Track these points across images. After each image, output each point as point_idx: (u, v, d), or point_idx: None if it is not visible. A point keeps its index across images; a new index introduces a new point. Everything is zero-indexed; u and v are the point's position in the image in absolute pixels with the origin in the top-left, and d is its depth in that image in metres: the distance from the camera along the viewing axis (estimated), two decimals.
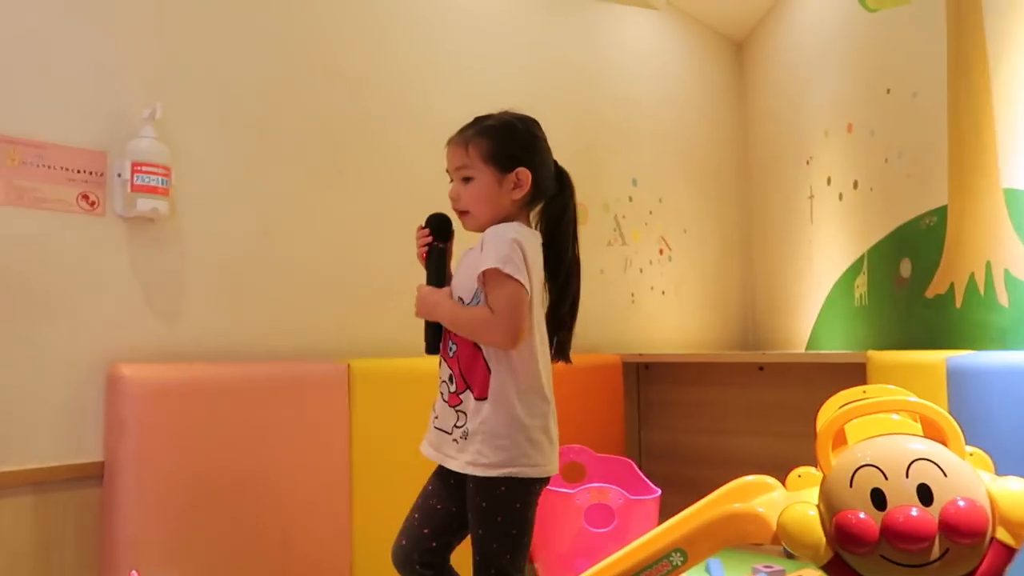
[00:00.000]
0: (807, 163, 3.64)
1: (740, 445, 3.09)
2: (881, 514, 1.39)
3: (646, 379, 3.42)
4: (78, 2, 1.90)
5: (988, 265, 2.44)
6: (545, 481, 1.54)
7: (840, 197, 3.35)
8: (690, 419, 3.27)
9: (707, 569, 2.53)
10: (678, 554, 1.69)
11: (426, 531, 1.54)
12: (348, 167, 2.42)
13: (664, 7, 3.79)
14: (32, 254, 1.81)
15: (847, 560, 1.46)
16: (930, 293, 2.69)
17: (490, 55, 2.94)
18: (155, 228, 2.00)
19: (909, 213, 2.82)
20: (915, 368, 2.28)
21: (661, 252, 3.68)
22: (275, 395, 2.07)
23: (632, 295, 3.50)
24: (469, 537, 1.53)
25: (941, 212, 2.64)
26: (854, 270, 3.21)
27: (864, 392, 1.75)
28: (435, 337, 1.54)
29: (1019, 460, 1.67)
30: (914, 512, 1.37)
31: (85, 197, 1.90)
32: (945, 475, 1.41)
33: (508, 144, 1.53)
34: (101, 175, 1.93)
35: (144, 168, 1.91)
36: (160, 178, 1.93)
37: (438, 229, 1.58)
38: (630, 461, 2.72)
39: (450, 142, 1.58)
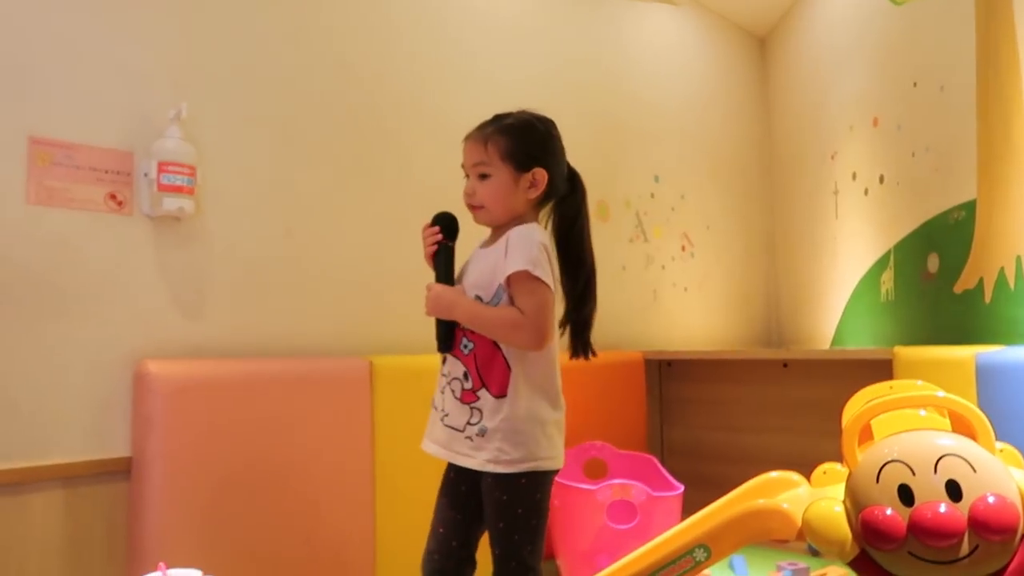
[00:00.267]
0: (832, 158, 3.60)
1: (764, 443, 3.06)
2: (909, 510, 1.37)
3: (668, 376, 3.40)
4: (105, 5, 1.93)
5: (1018, 259, 2.39)
6: (556, 472, 1.55)
7: (866, 192, 3.31)
8: (713, 416, 3.25)
9: (731, 566, 2.52)
10: (701, 550, 1.68)
11: (455, 543, 1.56)
12: (370, 166, 2.44)
13: (685, 2, 3.77)
14: (61, 253, 1.84)
15: (874, 557, 1.44)
16: (958, 288, 2.65)
17: (510, 54, 2.94)
18: (181, 227, 2.03)
19: (937, 207, 2.77)
20: (943, 364, 2.24)
21: (683, 249, 3.66)
22: (299, 391, 2.09)
23: (654, 292, 3.49)
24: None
25: (970, 206, 2.59)
26: (880, 266, 3.17)
27: (891, 388, 1.73)
28: (449, 335, 1.54)
29: None
30: (943, 508, 1.35)
31: (113, 197, 1.93)
32: (974, 471, 1.39)
33: (527, 143, 1.54)
34: (128, 175, 1.96)
35: (170, 168, 1.94)
36: (186, 177, 1.96)
37: (447, 228, 1.58)
38: (652, 458, 2.71)
39: (468, 138, 1.59)
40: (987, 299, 2.51)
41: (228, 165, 2.12)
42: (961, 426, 1.51)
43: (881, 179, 3.17)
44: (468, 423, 1.48)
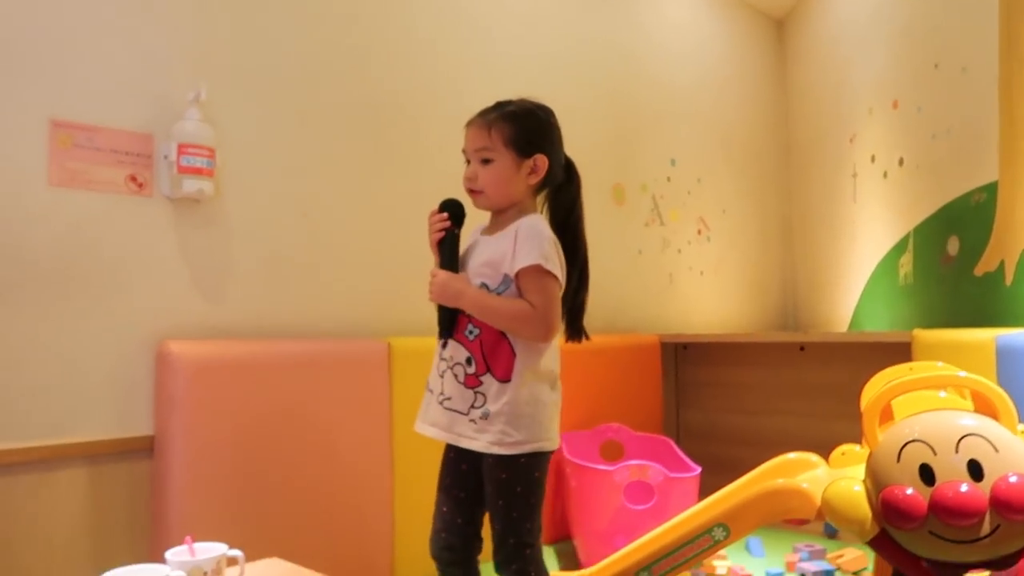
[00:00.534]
0: (850, 141, 3.57)
1: (780, 426, 3.06)
2: (930, 490, 1.37)
3: (684, 359, 3.40)
4: None
5: None
6: (552, 452, 1.58)
7: (885, 175, 3.28)
8: (729, 400, 3.25)
9: (747, 548, 2.52)
10: (720, 529, 1.69)
11: (460, 520, 1.58)
12: (387, 149, 2.44)
13: None
14: (83, 235, 1.86)
15: (894, 536, 1.45)
16: (979, 271, 2.63)
17: (527, 37, 2.93)
18: (201, 209, 2.04)
19: (957, 190, 2.75)
20: (963, 346, 2.23)
21: (699, 232, 3.65)
22: (318, 372, 2.10)
23: (670, 275, 3.48)
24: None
25: (991, 188, 2.57)
26: (899, 249, 3.15)
27: (911, 369, 1.73)
28: (452, 322, 1.54)
29: None
30: (964, 488, 1.35)
31: (133, 179, 1.95)
32: (996, 451, 1.39)
33: (529, 130, 1.57)
34: (148, 157, 1.97)
35: (190, 150, 1.95)
36: (205, 159, 1.97)
37: (454, 214, 1.59)
38: (669, 440, 2.72)
39: (471, 124, 1.61)
40: (1008, 281, 2.49)
41: (246, 147, 2.13)
42: (983, 406, 1.51)
43: (901, 162, 3.14)
44: (472, 407, 1.50)
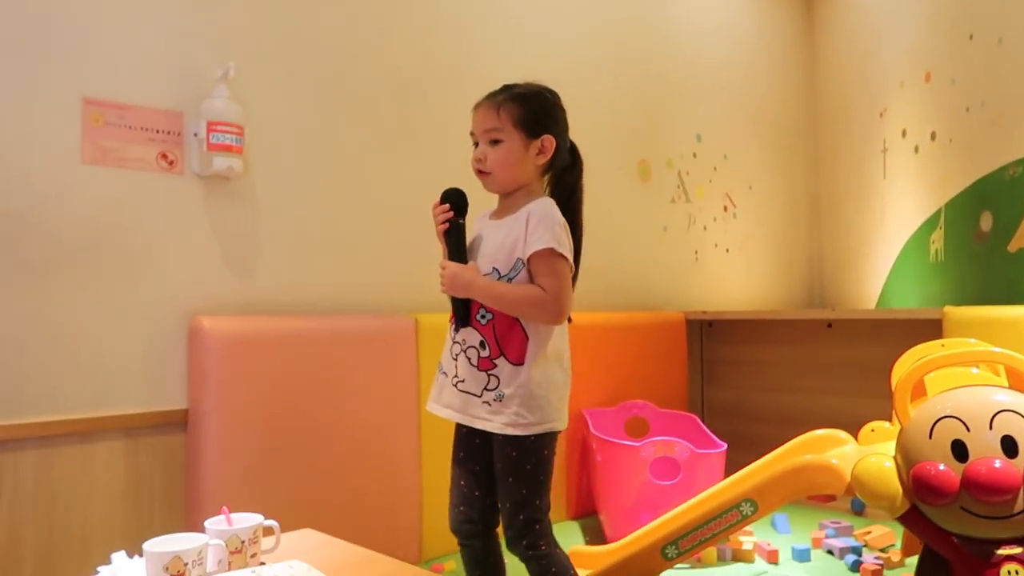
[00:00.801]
0: (880, 115, 3.51)
1: (807, 403, 3.05)
2: (962, 466, 1.37)
3: (709, 337, 3.39)
4: None
5: None
6: (560, 431, 1.60)
7: (916, 150, 3.22)
8: (755, 377, 3.24)
9: (773, 524, 2.53)
10: (748, 504, 1.70)
11: (477, 493, 1.61)
12: (414, 126, 2.44)
13: None
14: (116, 212, 1.88)
15: (925, 512, 1.44)
16: (1013, 247, 2.58)
17: (552, 14, 2.90)
18: (230, 186, 2.06)
19: (991, 164, 2.70)
20: (995, 323, 2.20)
21: (726, 209, 3.61)
22: (346, 347, 2.13)
23: (696, 253, 3.46)
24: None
25: None
26: (930, 225, 3.10)
27: (942, 346, 1.71)
28: (467, 312, 1.55)
29: None
30: (997, 464, 1.34)
31: (164, 156, 1.97)
32: None
33: (537, 111, 1.58)
34: (178, 134, 1.99)
35: (219, 127, 1.96)
36: (234, 136, 1.98)
37: (457, 204, 1.59)
38: (694, 416, 2.72)
39: (479, 105, 1.61)
40: None
41: (274, 124, 2.14)
42: (1017, 383, 1.49)
43: (933, 136, 3.09)
44: (485, 389, 1.52)
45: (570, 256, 1.53)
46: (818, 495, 1.73)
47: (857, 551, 2.23)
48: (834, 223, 3.93)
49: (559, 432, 1.57)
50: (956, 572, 1.44)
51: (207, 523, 1.29)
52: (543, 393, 1.51)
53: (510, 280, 1.52)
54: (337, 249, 2.26)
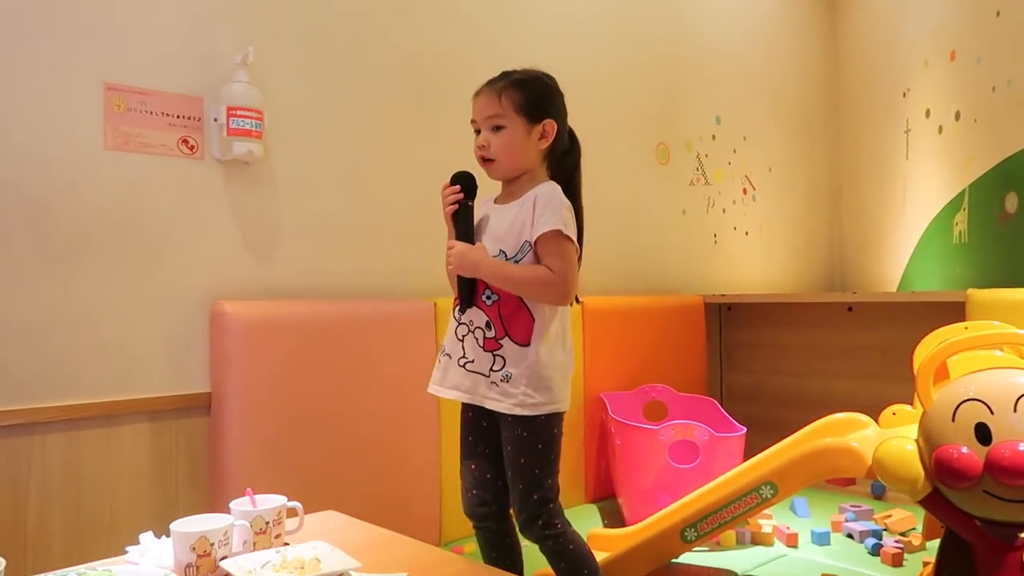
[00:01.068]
0: (904, 95, 3.46)
1: (826, 387, 3.03)
2: (985, 449, 1.36)
3: (728, 320, 3.37)
4: None
5: None
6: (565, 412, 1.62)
7: (940, 130, 3.18)
8: (774, 360, 3.22)
9: (792, 508, 2.52)
10: (768, 487, 1.70)
11: (489, 475, 1.62)
12: (432, 110, 2.44)
13: None
14: (139, 197, 1.90)
15: (947, 495, 1.43)
16: None
17: None
18: (250, 171, 2.07)
19: (1017, 144, 2.66)
20: (1020, 306, 2.18)
21: (745, 192, 3.59)
22: (366, 331, 2.14)
23: (714, 236, 3.44)
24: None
25: None
26: (953, 206, 3.06)
27: (966, 328, 1.69)
28: (473, 292, 1.57)
29: None
30: (1022, 447, 1.33)
31: (185, 141, 1.98)
32: None
33: (537, 96, 1.59)
34: (198, 120, 2.00)
35: (239, 112, 1.97)
36: (254, 121, 1.99)
37: (466, 186, 1.60)
38: (713, 400, 2.72)
39: (479, 93, 1.62)
40: None
41: (293, 109, 2.15)
42: None
43: (957, 116, 3.04)
44: (492, 369, 1.54)
45: (575, 238, 1.54)
46: (838, 478, 1.73)
47: (877, 535, 2.23)
48: (855, 205, 3.89)
49: (564, 412, 1.59)
50: (978, 556, 1.43)
51: (232, 504, 1.31)
52: (549, 373, 1.53)
53: (517, 262, 1.54)
54: (356, 233, 2.27)
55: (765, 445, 2.02)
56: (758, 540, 2.25)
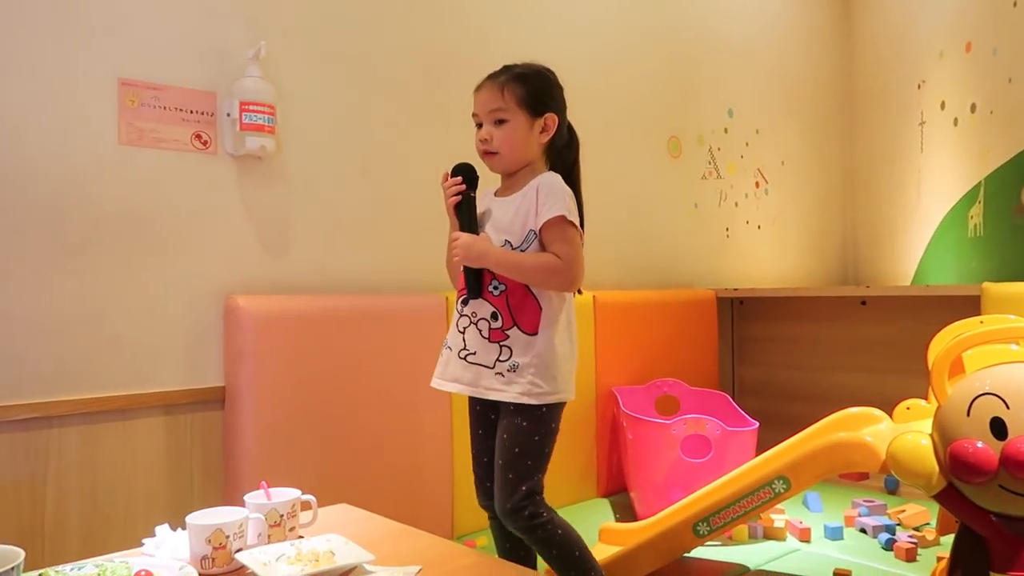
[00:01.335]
0: (918, 87, 3.43)
1: (840, 381, 3.02)
2: (1001, 443, 1.35)
3: (741, 315, 3.36)
4: None
5: None
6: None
7: (955, 122, 3.15)
8: (787, 355, 3.21)
9: (805, 503, 2.52)
10: (781, 482, 1.69)
11: None
12: (443, 105, 2.43)
13: None
14: (153, 192, 1.91)
15: (962, 490, 1.43)
16: None
17: None
18: (263, 166, 2.08)
19: None
20: None
21: (757, 185, 3.57)
22: (378, 326, 2.15)
23: (727, 230, 3.42)
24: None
25: None
26: (969, 199, 3.03)
27: (981, 322, 1.68)
28: (479, 283, 1.57)
29: None
30: None
31: (198, 136, 1.99)
32: None
33: (539, 90, 1.60)
34: (211, 115, 2.01)
35: (251, 107, 1.98)
36: (266, 116, 1.99)
37: (468, 178, 1.61)
38: (726, 395, 2.71)
39: (481, 87, 1.64)
40: None
41: (305, 104, 2.15)
42: None
43: (973, 108, 3.01)
44: (498, 360, 1.54)
45: (578, 224, 1.55)
46: (850, 473, 1.72)
47: (891, 529, 2.22)
48: (869, 199, 3.86)
49: (565, 404, 1.60)
50: (993, 551, 1.42)
51: (247, 497, 1.33)
52: (556, 363, 1.54)
53: (523, 252, 1.55)
54: (368, 228, 2.28)
55: (777, 440, 2.01)
56: (770, 535, 2.25)
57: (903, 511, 2.33)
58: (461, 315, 1.59)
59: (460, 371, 1.58)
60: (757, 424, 2.41)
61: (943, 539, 2.09)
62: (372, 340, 2.13)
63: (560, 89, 1.66)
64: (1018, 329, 1.55)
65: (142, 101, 1.90)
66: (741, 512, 1.76)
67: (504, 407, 1.56)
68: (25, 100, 1.74)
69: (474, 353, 1.56)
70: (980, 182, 2.95)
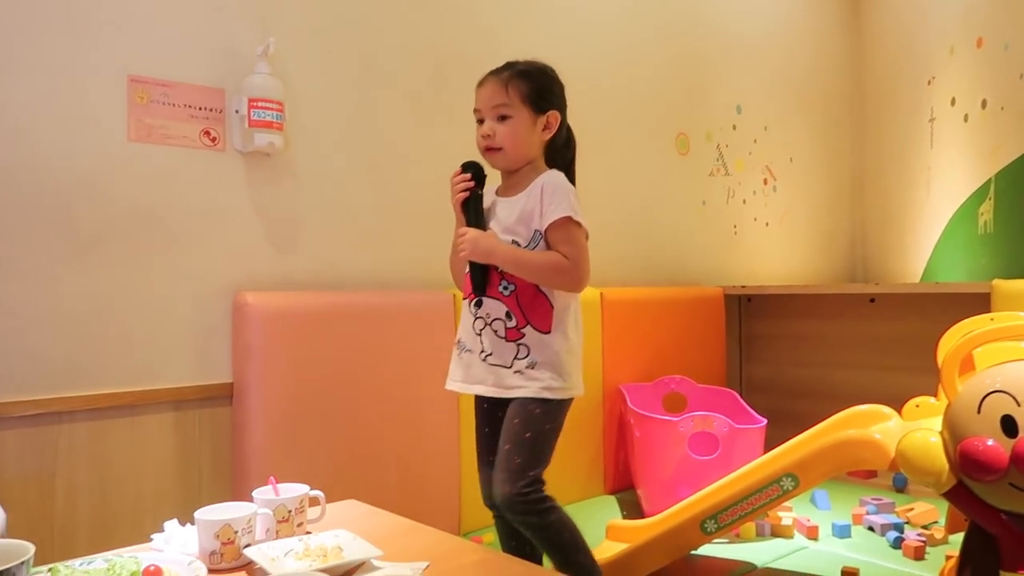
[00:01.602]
0: (928, 83, 3.41)
1: (848, 379, 3.01)
2: (1011, 441, 1.34)
3: (748, 312, 3.35)
4: None
5: None
6: None
7: (965, 118, 3.13)
8: (795, 353, 3.20)
9: (812, 501, 2.51)
10: (789, 479, 1.69)
11: None
12: (451, 101, 2.43)
13: None
14: (162, 189, 1.91)
15: (972, 488, 1.42)
16: None
17: None
18: (271, 162, 2.08)
19: None
20: None
21: (765, 182, 3.56)
22: (386, 322, 2.15)
23: (735, 227, 3.41)
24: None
25: None
26: (979, 196, 3.02)
27: (991, 320, 1.67)
28: (485, 279, 1.57)
29: None
30: None
31: (207, 133, 1.99)
32: None
33: (542, 88, 1.61)
34: (220, 112, 2.01)
35: (260, 104, 1.98)
36: (275, 113, 2.00)
37: (476, 175, 1.62)
38: (734, 392, 2.70)
39: (485, 82, 1.64)
40: None
41: (313, 100, 2.15)
42: None
43: (984, 104, 2.99)
44: (515, 358, 1.55)
45: (584, 224, 1.56)
46: (858, 471, 1.72)
47: (899, 528, 2.21)
48: (878, 195, 3.84)
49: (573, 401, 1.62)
50: (1004, 549, 1.41)
51: (255, 493, 1.33)
52: (568, 359, 1.56)
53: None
54: (376, 225, 2.28)
55: (785, 438, 2.00)
56: (778, 532, 2.24)
57: (911, 509, 2.32)
58: (476, 317, 1.59)
59: (484, 374, 1.59)
60: (765, 421, 2.41)
61: (952, 538, 2.08)
62: (380, 337, 2.14)
63: (562, 87, 1.66)
64: None
65: (151, 98, 1.91)
66: (749, 509, 1.75)
67: (517, 399, 1.56)
68: (35, 97, 1.75)
69: (491, 354, 1.57)
70: (990, 179, 2.93)
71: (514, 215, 1.58)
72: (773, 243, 3.58)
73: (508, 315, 1.55)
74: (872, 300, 2.98)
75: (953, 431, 1.43)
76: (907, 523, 2.26)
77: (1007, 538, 1.41)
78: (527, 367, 1.53)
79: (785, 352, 3.23)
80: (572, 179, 1.67)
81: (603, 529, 2.09)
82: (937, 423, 1.52)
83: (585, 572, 1.58)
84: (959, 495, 1.45)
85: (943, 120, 3.30)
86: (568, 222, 1.52)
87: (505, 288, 1.55)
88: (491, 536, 2.14)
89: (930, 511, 2.29)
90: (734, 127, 3.40)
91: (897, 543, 2.11)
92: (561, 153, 1.66)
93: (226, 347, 2.00)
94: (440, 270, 2.37)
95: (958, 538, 1.58)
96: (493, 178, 1.68)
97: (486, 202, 1.66)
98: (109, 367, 1.83)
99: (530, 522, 1.55)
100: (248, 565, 1.19)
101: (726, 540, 2.18)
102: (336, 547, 1.19)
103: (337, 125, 2.21)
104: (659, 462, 2.36)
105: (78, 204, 1.80)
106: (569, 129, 1.69)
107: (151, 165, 1.90)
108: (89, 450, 1.79)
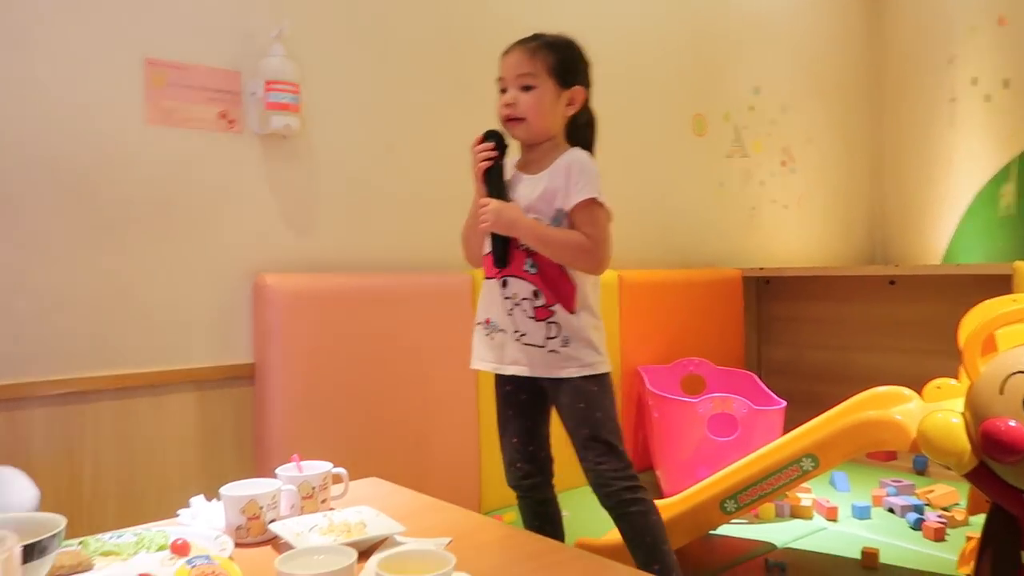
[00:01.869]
0: (949, 63, 3.36)
1: (867, 361, 2.99)
2: None
3: (766, 294, 3.34)
4: None
5: None
6: None
7: (987, 99, 3.09)
8: (813, 335, 3.18)
9: (832, 483, 2.51)
10: (809, 460, 1.69)
11: (531, 447, 1.64)
12: (467, 82, 2.42)
13: None
14: (181, 171, 1.93)
15: (993, 469, 1.41)
16: None
17: None
18: (288, 144, 2.09)
19: None
20: None
21: (784, 164, 3.53)
22: (405, 303, 2.16)
23: (752, 208, 3.39)
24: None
25: None
26: (1000, 177, 2.98)
27: (1015, 300, 1.65)
28: (507, 252, 1.53)
29: None
30: None
31: (224, 115, 2.00)
32: None
33: (569, 61, 1.57)
34: (237, 94, 2.01)
35: (276, 86, 1.98)
36: (291, 95, 2.00)
37: (499, 145, 1.57)
38: (752, 374, 2.70)
39: (511, 51, 1.60)
40: None
41: (329, 82, 2.15)
42: None
43: (1006, 83, 2.95)
44: (548, 337, 1.52)
45: (607, 206, 1.53)
46: (878, 453, 1.71)
47: (919, 509, 2.20)
48: (897, 177, 3.80)
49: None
50: None
51: (279, 470, 1.34)
52: (595, 336, 1.54)
53: None
54: (394, 205, 2.28)
55: (804, 420, 2.00)
56: (797, 513, 2.24)
57: (932, 491, 2.31)
58: (504, 297, 1.57)
59: (518, 353, 1.56)
60: (784, 403, 2.40)
61: (972, 519, 2.07)
62: (399, 317, 2.15)
63: (588, 64, 1.62)
64: None
65: (169, 81, 1.91)
66: (769, 489, 1.75)
67: (566, 384, 1.53)
68: (55, 82, 1.76)
69: (525, 334, 1.54)
70: (1013, 159, 2.89)
71: (536, 192, 1.55)
72: (791, 225, 3.56)
73: (536, 294, 1.53)
74: (892, 282, 2.96)
75: (975, 412, 1.43)
76: (927, 504, 2.26)
77: None
78: (561, 345, 1.51)
79: (804, 334, 3.21)
80: (592, 156, 1.64)
81: None
82: (959, 404, 1.51)
83: (668, 557, 1.55)
84: (981, 476, 1.44)
85: (964, 100, 3.25)
86: (593, 203, 1.50)
87: (531, 267, 1.54)
88: (512, 515, 2.15)
89: (950, 493, 2.28)
90: (751, 108, 3.37)
91: (917, 524, 2.10)
92: (582, 132, 1.62)
93: (247, 328, 2.02)
94: (458, 251, 2.39)
95: (979, 519, 1.58)
96: (514, 151, 1.66)
97: (506, 176, 1.64)
98: (133, 347, 1.85)
99: (629, 513, 1.53)
100: (273, 540, 1.21)
101: (745, 520, 2.18)
102: (360, 523, 1.20)
103: (353, 106, 2.21)
104: (678, 443, 2.36)
105: (100, 187, 1.81)
106: (591, 110, 1.66)
107: (170, 148, 1.91)
108: (115, 428, 1.82)
